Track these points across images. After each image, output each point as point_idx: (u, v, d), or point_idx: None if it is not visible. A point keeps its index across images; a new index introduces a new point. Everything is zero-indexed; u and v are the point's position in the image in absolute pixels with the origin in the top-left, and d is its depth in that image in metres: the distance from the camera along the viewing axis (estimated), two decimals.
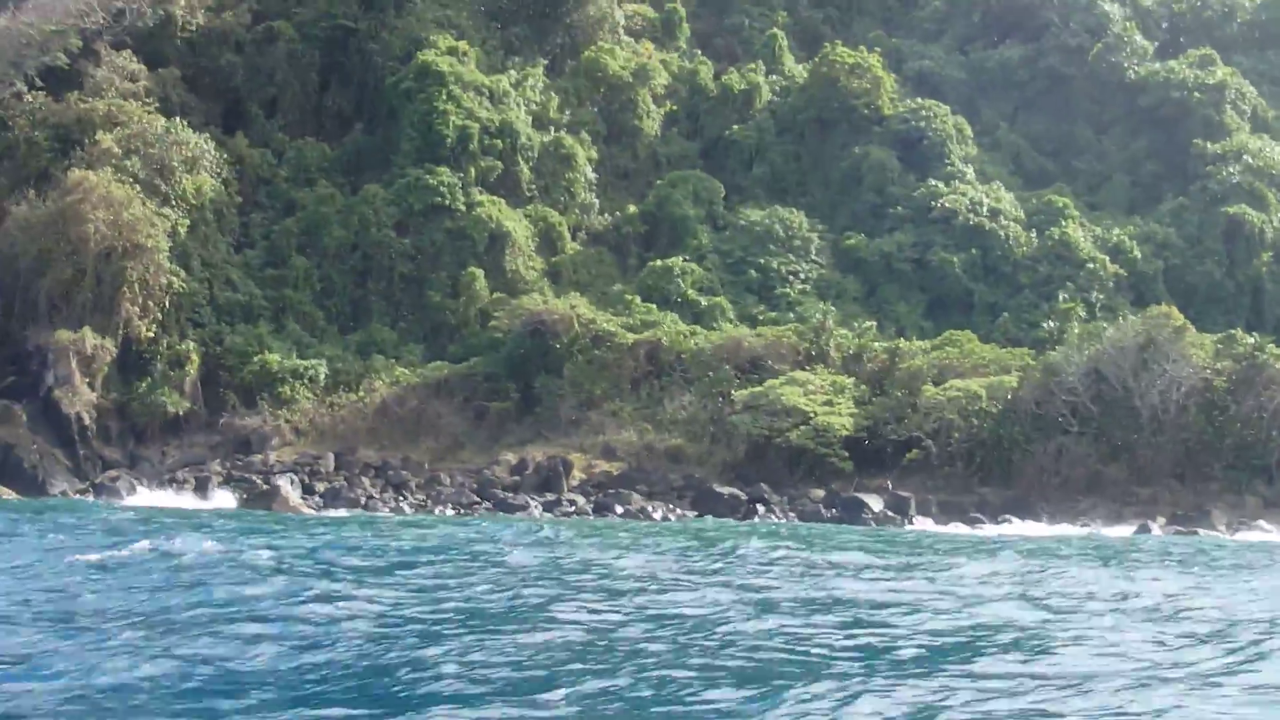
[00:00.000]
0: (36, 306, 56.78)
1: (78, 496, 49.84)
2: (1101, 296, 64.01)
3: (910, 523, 47.27)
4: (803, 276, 64.54)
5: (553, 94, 69.94)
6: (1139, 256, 66.53)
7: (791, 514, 48.11)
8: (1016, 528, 47.11)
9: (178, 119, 62.13)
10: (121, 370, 56.24)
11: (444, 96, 64.84)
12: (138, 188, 58.23)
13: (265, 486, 42.72)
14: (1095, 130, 77.18)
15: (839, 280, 64.97)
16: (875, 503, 47.72)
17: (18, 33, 65.29)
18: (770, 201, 68.82)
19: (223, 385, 57.45)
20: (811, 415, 52.30)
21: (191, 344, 57.06)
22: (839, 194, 69.98)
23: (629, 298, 60.94)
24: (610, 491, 49.41)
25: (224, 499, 47.10)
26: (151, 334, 56.61)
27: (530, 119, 67.76)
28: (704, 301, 61.66)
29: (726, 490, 48.76)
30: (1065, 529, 47.25)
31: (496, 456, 53.49)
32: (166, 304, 57.34)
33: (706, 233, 66.04)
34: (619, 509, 47.36)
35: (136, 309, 56.60)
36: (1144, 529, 46.52)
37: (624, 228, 67.06)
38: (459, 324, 60.76)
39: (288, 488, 40.73)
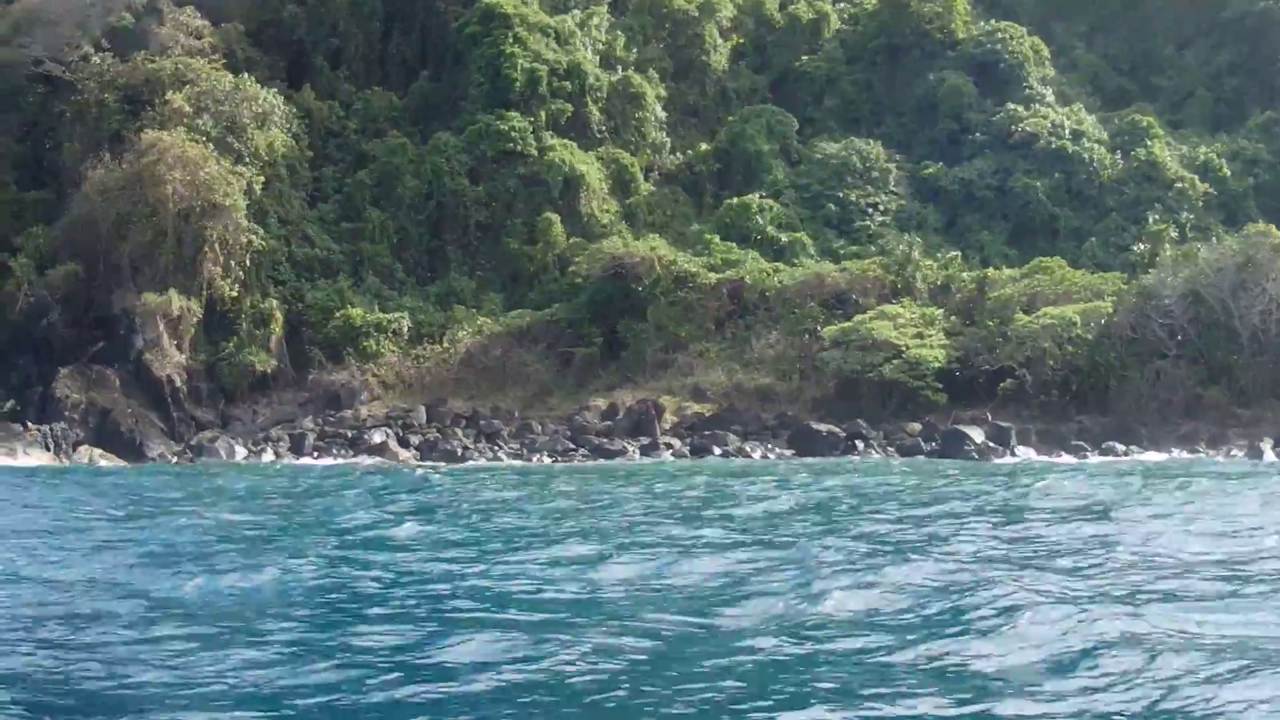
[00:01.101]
0: (119, 270, 56.74)
1: (175, 461, 49.94)
2: (1192, 217, 62.44)
3: (1013, 454, 46.46)
4: (882, 209, 63.42)
5: (618, 32, 68.90)
6: (1228, 174, 64.82)
7: (890, 449, 47.41)
8: (1122, 455, 46.25)
9: (245, 74, 61.69)
10: (207, 331, 56.27)
11: (510, 40, 63.98)
12: (211, 146, 57.96)
13: (374, 442, 42.47)
14: (1175, 46, 75.09)
15: (919, 211, 63.79)
16: (976, 434, 46.87)
17: None
18: (844, 133, 67.60)
19: (307, 342, 57.40)
20: (903, 348, 51.48)
21: (274, 302, 56.93)
22: (914, 123, 68.58)
23: (708, 237, 60.13)
24: (705, 433, 48.90)
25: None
26: (235, 293, 56.50)
27: (597, 59, 66.79)
28: (784, 238, 60.74)
29: (824, 428, 48.09)
30: (1172, 455, 46.41)
31: (585, 402, 53.09)
32: (247, 262, 57.19)
33: (782, 168, 64.99)
34: (717, 450, 46.89)
35: (219, 269, 56.48)
36: (1255, 452, 45.45)
37: (697, 166, 66.11)
38: (537, 271, 60.25)
39: (394, 445, 40.44)
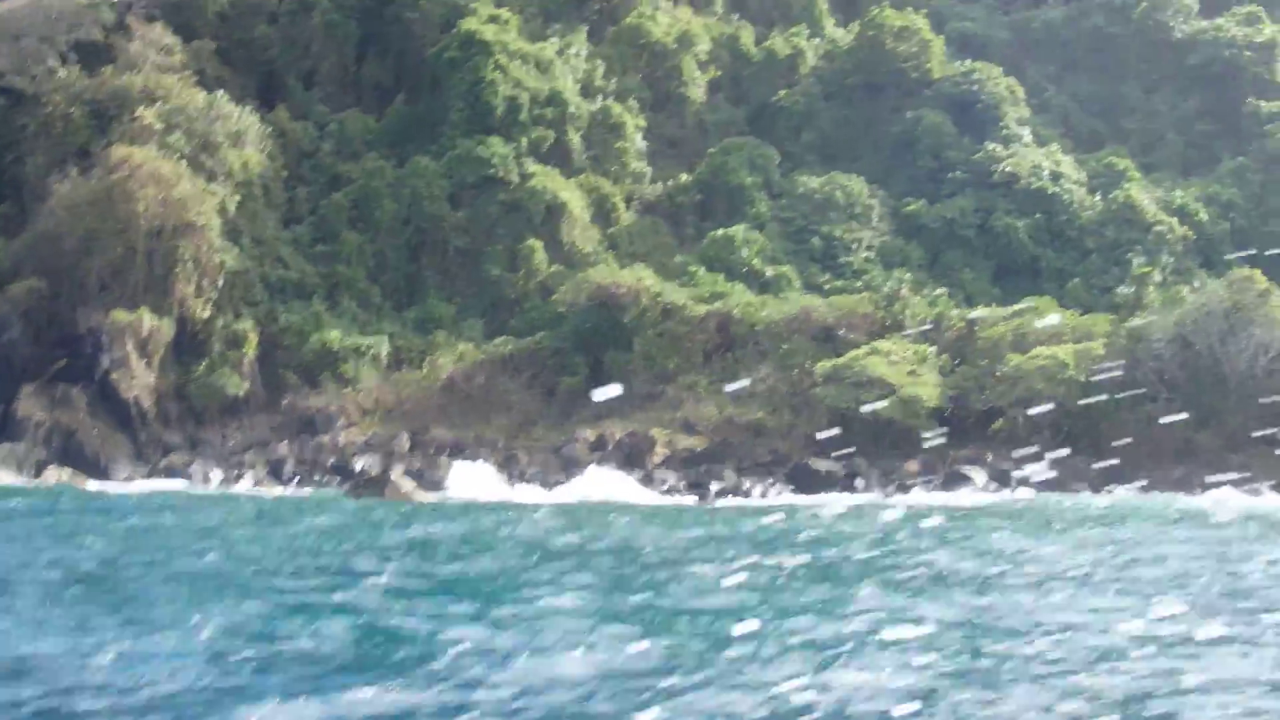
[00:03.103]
0: (85, 287, 54.85)
1: (142, 482, 48.09)
2: (1172, 260, 62.72)
3: (1013, 492, 45.94)
4: (866, 244, 63.00)
5: (597, 61, 68.09)
6: (1205, 218, 65.22)
7: (890, 487, 46.70)
8: (1123, 497, 45.92)
9: (220, 93, 60.12)
10: (177, 351, 54.44)
11: (491, 65, 62.93)
12: (183, 164, 56.35)
13: (374, 474, 40.84)
14: (1144, 90, 75.65)
15: (902, 247, 63.44)
16: (978, 475, 46.33)
17: (48, 6, 63.14)
18: (822, 168, 67.19)
19: (280, 365, 55.74)
20: (897, 386, 50.85)
21: (249, 323, 55.22)
22: (892, 159, 68.35)
23: (692, 269, 59.34)
24: (702, 468, 47.89)
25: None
26: (207, 314, 54.84)
27: (578, 87, 65.95)
28: (769, 271, 60.07)
29: (823, 466, 47.31)
30: (1170, 497, 46.10)
31: (573, 433, 51.88)
32: (220, 282, 55.50)
33: (764, 201, 64.38)
34: (715, 486, 45.89)
35: (191, 288, 54.79)
36: (1255, 493, 45.32)
37: (678, 197, 65.31)
38: (518, 298, 59.05)
39: (399, 475, 38.86)
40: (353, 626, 14.92)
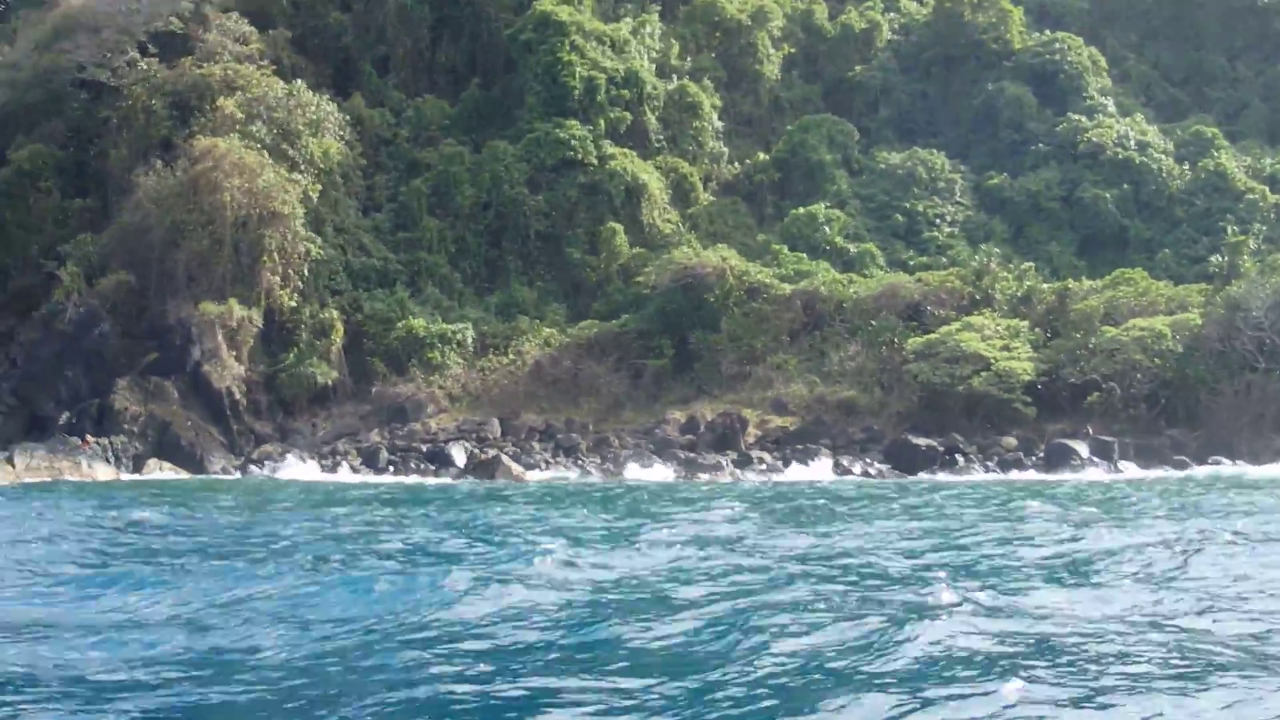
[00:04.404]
0: (173, 279, 54.92)
1: (236, 474, 48.21)
2: (1264, 228, 61.50)
3: (1118, 469, 45.17)
4: (949, 219, 62.22)
5: (672, 40, 67.59)
6: None
7: (990, 464, 46.04)
8: (1230, 469, 45.07)
9: (298, 81, 60.11)
10: (264, 342, 54.52)
11: (567, 47, 62.58)
12: (265, 153, 56.37)
13: (484, 456, 40.59)
14: (1227, 57, 74.33)
15: (985, 221, 62.58)
16: (1081, 449, 45.57)
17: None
18: (901, 143, 66.45)
19: (366, 353, 55.66)
20: (992, 361, 50.16)
21: (334, 312, 55.21)
22: (972, 133, 67.50)
23: (775, 247, 58.77)
24: (797, 447, 47.42)
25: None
26: (294, 303, 54.85)
27: (653, 67, 65.46)
28: (853, 249, 59.46)
29: (923, 442, 46.66)
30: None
31: (663, 415, 51.54)
32: (305, 272, 55.52)
33: (844, 178, 63.72)
34: (810, 464, 45.42)
35: (277, 278, 54.82)
36: None
37: (756, 176, 64.77)
38: (600, 281, 58.76)
39: (507, 460, 38.68)
40: None
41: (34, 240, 58.18)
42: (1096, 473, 43.86)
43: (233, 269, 54.35)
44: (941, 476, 43.39)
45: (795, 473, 44.46)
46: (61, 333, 54.59)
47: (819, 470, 44.95)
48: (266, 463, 48.92)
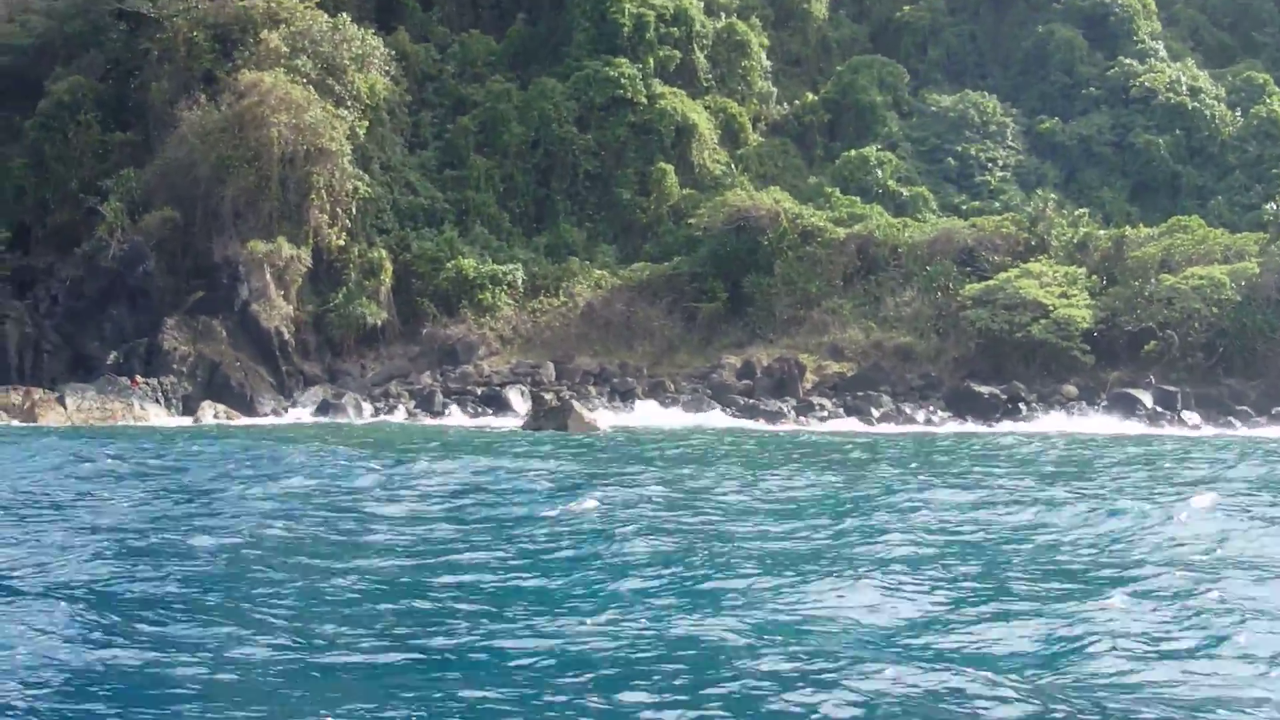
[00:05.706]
0: (219, 217, 54.26)
1: (286, 416, 47.67)
2: None
3: (1180, 418, 44.82)
4: (1001, 164, 61.46)
5: None
6: None
7: (1054, 411, 45.66)
8: None
9: (343, 15, 59.06)
10: (313, 281, 53.93)
11: None
12: (311, 89, 55.46)
13: (556, 403, 40.14)
14: (1275, 1, 73.11)
15: (1037, 166, 61.84)
16: (1146, 398, 45.20)
17: None
18: (950, 86, 65.53)
19: (415, 294, 55.09)
20: (1051, 308, 49.67)
21: (383, 251, 54.58)
22: (1022, 76, 66.57)
23: (828, 190, 58.07)
24: (858, 394, 47.04)
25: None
26: (342, 242, 54.22)
27: (701, 5, 64.40)
28: (905, 192, 58.76)
29: (985, 389, 46.28)
30: None
31: (717, 359, 51.16)
32: (353, 210, 54.83)
33: (895, 120, 62.89)
34: (874, 412, 45.06)
35: (325, 216, 54.17)
36: None
37: (805, 117, 63.93)
38: (651, 222, 58.11)
39: (579, 406, 38.16)
40: None
41: (74, 174, 57.28)
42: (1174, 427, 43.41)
43: (280, 207, 53.68)
44: (1009, 425, 43.02)
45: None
46: (105, 270, 54.00)
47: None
48: (324, 407, 48.16)
